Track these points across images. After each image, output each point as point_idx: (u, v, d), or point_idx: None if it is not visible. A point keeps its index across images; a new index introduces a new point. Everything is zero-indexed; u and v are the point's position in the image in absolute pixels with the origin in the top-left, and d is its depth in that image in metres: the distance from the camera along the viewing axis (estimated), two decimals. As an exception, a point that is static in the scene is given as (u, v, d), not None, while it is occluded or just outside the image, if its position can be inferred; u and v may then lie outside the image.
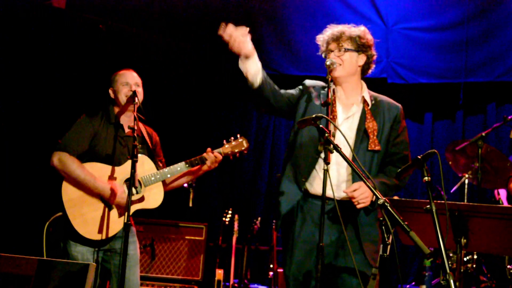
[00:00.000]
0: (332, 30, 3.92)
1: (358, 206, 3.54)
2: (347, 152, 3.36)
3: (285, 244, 3.85)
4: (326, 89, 3.83)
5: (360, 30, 3.89)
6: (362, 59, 3.88)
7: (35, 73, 6.70)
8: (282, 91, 3.97)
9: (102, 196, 4.22)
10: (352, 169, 3.07)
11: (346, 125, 3.79)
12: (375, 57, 3.94)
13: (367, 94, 3.89)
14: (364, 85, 3.94)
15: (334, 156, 3.43)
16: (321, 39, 3.96)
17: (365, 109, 3.81)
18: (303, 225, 3.75)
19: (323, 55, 3.94)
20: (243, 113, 8.07)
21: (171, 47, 7.53)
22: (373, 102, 3.86)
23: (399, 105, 3.93)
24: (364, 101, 3.85)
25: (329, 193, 3.39)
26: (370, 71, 3.97)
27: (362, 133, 3.75)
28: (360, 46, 3.86)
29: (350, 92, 3.88)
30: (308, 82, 4.00)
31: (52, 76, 6.78)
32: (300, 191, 3.77)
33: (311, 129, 3.68)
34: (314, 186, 3.74)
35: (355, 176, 3.64)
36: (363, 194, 3.51)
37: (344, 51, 3.83)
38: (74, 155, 4.25)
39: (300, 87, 4.00)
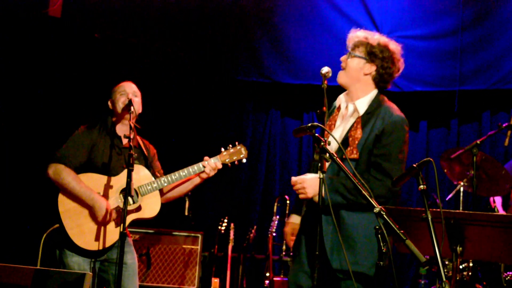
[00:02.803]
0: (350, 34, 3.87)
1: (300, 196, 3.64)
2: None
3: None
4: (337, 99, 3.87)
5: (374, 38, 3.79)
6: (370, 68, 3.75)
7: (31, 81, 6.72)
8: None
9: (94, 210, 4.20)
10: (346, 175, 3.06)
11: (336, 133, 3.76)
12: (391, 70, 3.77)
13: (363, 102, 3.77)
14: (371, 94, 3.79)
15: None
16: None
17: (357, 118, 3.76)
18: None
19: None
20: (238, 120, 8.08)
21: (166, 55, 7.56)
22: (370, 110, 3.73)
23: (396, 115, 3.71)
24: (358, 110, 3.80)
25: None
26: (388, 85, 3.83)
27: (344, 141, 3.70)
28: (370, 55, 3.75)
29: (354, 100, 3.80)
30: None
31: (49, 85, 6.80)
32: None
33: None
34: None
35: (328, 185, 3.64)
36: (300, 184, 3.56)
37: (352, 56, 3.79)
38: (71, 167, 4.25)
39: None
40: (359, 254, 3.53)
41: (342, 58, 3.85)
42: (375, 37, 3.80)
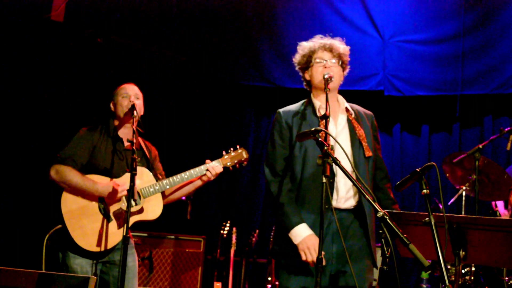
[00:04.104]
0: (324, 40, 3.99)
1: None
2: (347, 164, 3.44)
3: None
4: (308, 106, 3.93)
5: (345, 47, 4.00)
6: (343, 75, 3.99)
7: (34, 84, 6.73)
8: (280, 166, 3.88)
9: (103, 197, 4.22)
10: (351, 181, 3.08)
11: (341, 137, 3.84)
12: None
13: (347, 105, 3.97)
14: (341, 97, 4.02)
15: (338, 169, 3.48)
16: (305, 45, 4.03)
17: (350, 119, 3.89)
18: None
19: (305, 61, 3.99)
20: (239, 125, 8.08)
21: (168, 59, 7.57)
22: (354, 111, 3.96)
23: (371, 112, 4.07)
24: (347, 111, 3.93)
25: (335, 204, 3.58)
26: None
27: (357, 142, 3.82)
28: (343, 63, 3.97)
29: (332, 104, 3.91)
30: (282, 113, 3.98)
31: (51, 88, 6.81)
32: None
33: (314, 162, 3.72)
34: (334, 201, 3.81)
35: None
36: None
37: (336, 63, 3.92)
38: (73, 167, 4.26)
39: (278, 124, 3.96)
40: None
41: (328, 64, 3.91)
42: (342, 45, 4.00)
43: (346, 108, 3.95)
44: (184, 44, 7.54)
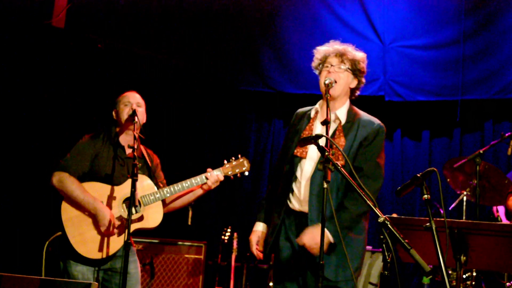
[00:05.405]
0: (336, 45, 3.95)
1: (314, 253, 3.58)
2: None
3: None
4: (309, 111, 3.99)
5: (360, 55, 3.94)
6: (354, 82, 3.92)
7: (35, 90, 6.74)
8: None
9: (97, 219, 4.21)
10: (350, 184, 3.08)
11: (320, 141, 3.80)
12: (362, 85, 4.00)
13: (342, 111, 3.89)
14: (347, 104, 3.95)
15: (304, 171, 3.75)
16: (321, 50, 3.98)
17: (338, 127, 3.84)
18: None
19: (318, 66, 3.97)
20: (241, 130, 8.09)
21: (169, 64, 7.58)
22: (349, 119, 3.86)
23: (377, 123, 3.88)
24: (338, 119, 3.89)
25: (297, 207, 3.74)
26: (354, 97, 4.02)
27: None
28: (357, 71, 3.90)
29: (333, 109, 3.88)
30: (295, 114, 4.12)
31: (52, 93, 6.82)
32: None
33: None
34: (293, 202, 3.86)
35: (318, 193, 3.68)
36: (314, 240, 3.53)
37: (344, 69, 3.85)
38: (74, 176, 4.27)
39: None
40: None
41: (333, 69, 3.88)
42: (357, 52, 3.96)
43: (336, 115, 3.88)
44: (184, 45, 7.55)
